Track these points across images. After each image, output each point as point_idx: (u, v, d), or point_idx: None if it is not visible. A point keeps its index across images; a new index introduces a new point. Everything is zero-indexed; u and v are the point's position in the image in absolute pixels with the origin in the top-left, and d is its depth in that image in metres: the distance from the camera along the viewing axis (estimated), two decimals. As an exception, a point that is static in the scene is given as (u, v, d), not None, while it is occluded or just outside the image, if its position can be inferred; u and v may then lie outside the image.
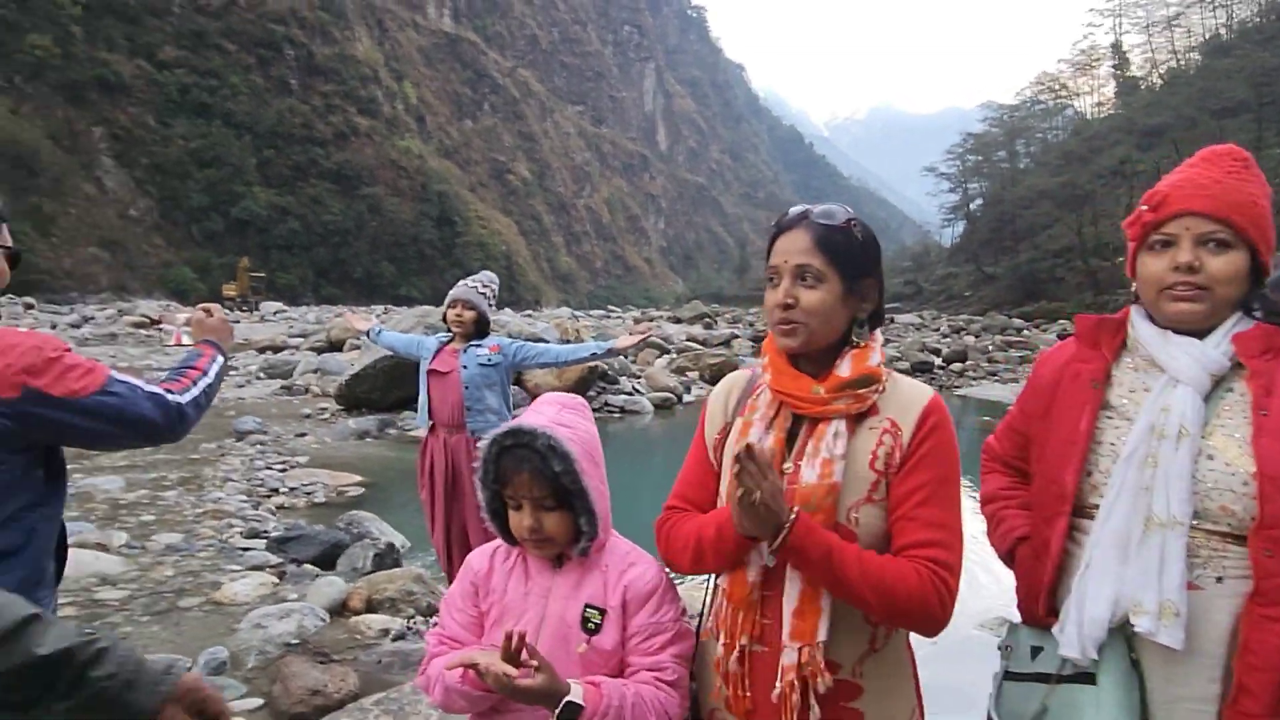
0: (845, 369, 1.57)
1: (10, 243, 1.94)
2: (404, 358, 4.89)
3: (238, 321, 42.90)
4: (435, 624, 1.60)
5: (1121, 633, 1.52)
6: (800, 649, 1.48)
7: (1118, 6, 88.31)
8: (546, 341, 17.08)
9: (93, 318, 37.22)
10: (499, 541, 1.75)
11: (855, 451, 1.53)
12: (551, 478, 1.59)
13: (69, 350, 1.78)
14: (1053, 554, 1.63)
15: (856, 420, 1.56)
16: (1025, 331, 36.10)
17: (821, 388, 1.55)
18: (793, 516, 1.42)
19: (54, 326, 30.85)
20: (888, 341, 27.29)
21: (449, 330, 4.67)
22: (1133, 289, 1.68)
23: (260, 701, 3.61)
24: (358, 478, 8.77)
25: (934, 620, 1.47)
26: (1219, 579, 1.46)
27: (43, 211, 66.10)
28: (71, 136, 75.86)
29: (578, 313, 58.67)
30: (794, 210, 1.65)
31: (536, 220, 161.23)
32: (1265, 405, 1.48)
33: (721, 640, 1.57)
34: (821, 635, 1.48)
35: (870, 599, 1.43)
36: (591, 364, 15.91)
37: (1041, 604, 1.65)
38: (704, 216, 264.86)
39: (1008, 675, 1.69)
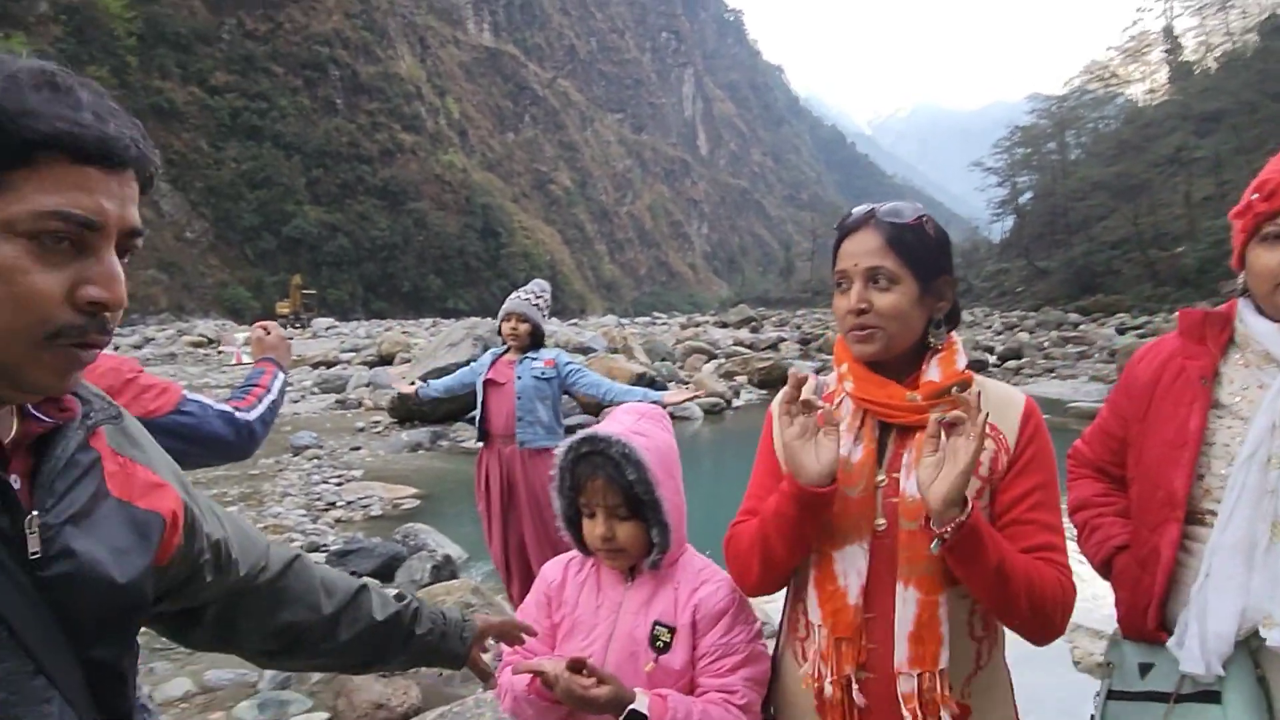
0: (934, 373, 1.49)
1: None
2: (464, 391, 4.87)
3: (292, 338, 43.76)
4: None
5: (1246, 647, 1.42)
6: (921, 675, 1.39)
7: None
8: (595, 351, 17.13)
9: (153, 338, 38.34)
10: (574, 552, 1.74)
11: None
12: (625, 486, 1.55)
13: (143, 371, 1.83)
14: (1164, 564, 1.53)
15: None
16: (1082, 326, 35.21)
17: (918, 394, 1.46)
18: (969, 509, 1.29)
19: (116, 348, 31.78)
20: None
21: (504, 343, 4.70)
22: (1240, 282, 1.59)
23: (326, 716, 3.63)
24: (412, 490, 8.83)
25: (1062, 624, 1.40)
26: None
27: (104, 236, 68.37)
28: (129, 163, 78.36)
29: (623, 320, 58.83)
30: (858, 210, 1.55)
31: (579, 229, 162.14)
32: None
33: (818, 673, 1.46)
34: (944, 661, 1.38)
35: (1024, 602, 1.33)
36: (640, 371, 15.89)
37: (1152, 617, 1.55)
38: (747, 220, 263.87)
39: (1112, 694, 1.60)
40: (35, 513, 0.81)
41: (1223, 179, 53.81)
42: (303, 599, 1.26)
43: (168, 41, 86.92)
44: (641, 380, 15.72)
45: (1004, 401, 1.51)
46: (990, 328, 36.91)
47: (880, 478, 1.45)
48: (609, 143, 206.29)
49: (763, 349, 25.93)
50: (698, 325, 41.01)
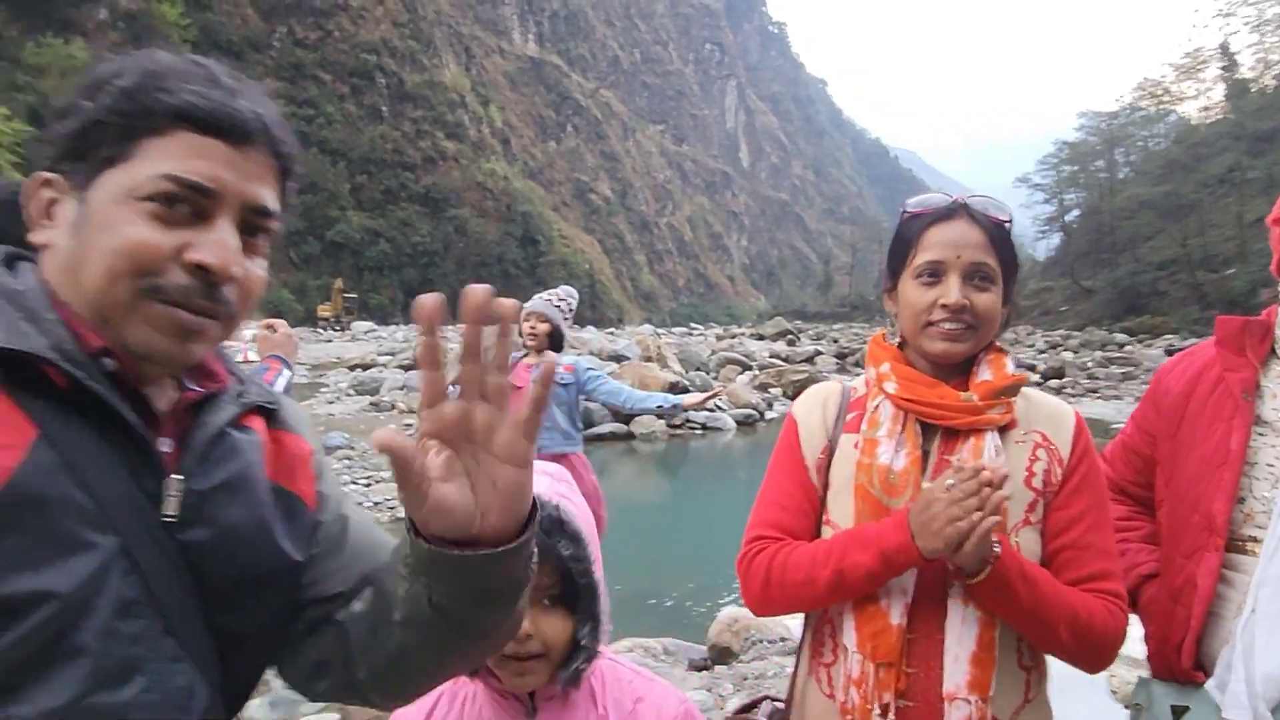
0: (987, 373, 1.39)
1: None
2: None
3: (331, 340, 44.41)
4: None
5: None
6: (976, 702, 1.26)
7: (1226, 6, 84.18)
8: (628, 358, 17.07)
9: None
10: (437, 693, 1.23)
11: (1010, 468, 1.32)
12: (556, 562, 1.14)
13: None
14: (1201, 595, 1.39)
15: (1001, 432, 1.37)
16: (1128, 347, 34.46)
17: (975, 395, 1.36)
18: (998, 547, 1.21)
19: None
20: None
21: (523, 345, 4.58)
22: None
23: (337, 716, 3.60)
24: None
25: (1111, 655, 1.31)
26: None
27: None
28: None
29: (660, 330, 58.79)
30: (936, 198, 1.45)
31: (619, 239, 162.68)
32: None
33: (851, 702, 1.31)
34: (995, 688, 1.27)
35: (1065, 635, 1.25)
36: (673, 380, 15.80)
37: (1186, 655, 1.40)
38: (787, 233, 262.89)
39: None
40: (178, 477, 0.84)
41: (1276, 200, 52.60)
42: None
43: (220, 48, 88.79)
44: (675, 389, 15.64)
45: (1056, 413, 1.42)
46: (1033, 346, 36.24)
47: (927, 486, 1.30)
48: (650, 153, 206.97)
49: (798, 362, 25.68)
50: (734, 337, 40.80)
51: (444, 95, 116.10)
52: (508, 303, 0.66)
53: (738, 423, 16.07)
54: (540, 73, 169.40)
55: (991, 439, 1.34)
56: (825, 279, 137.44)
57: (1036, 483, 1.35)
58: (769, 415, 17.41)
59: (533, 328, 4.45)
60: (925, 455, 1.37)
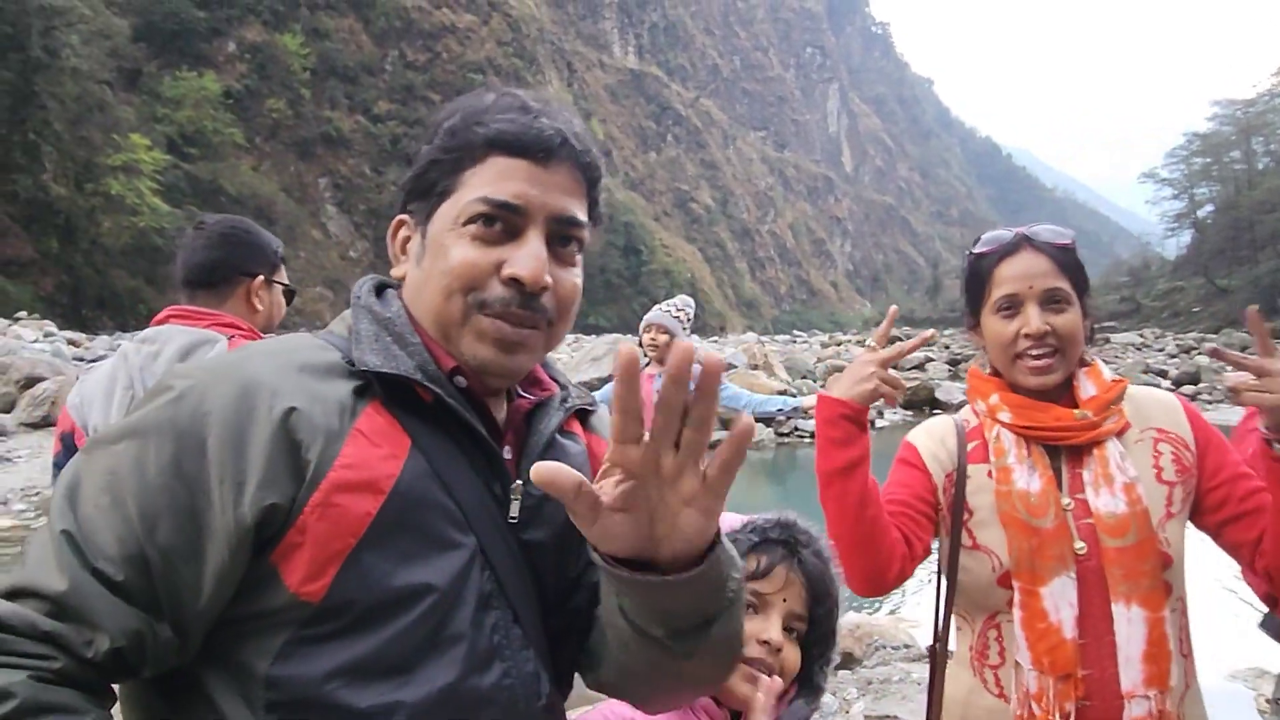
0: (1090, 389, 1.48)
1: (287, 280, 2.29)
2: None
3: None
4: None
5: None
6: (1155, 696, 1.32)
7: (1374, -20, 77.73)
8: (735, 367, 17.01)
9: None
10: None
11: (1138, 470, 1.43)
12: (820, 601, 1.29)
13: None
14: None
15: (1119, 435, 1.46)
16: (1270, 349, 32.12)
17: (1089, 410, 1.45)
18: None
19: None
20: (1106, 363, 25.17)
21: (645, 356, 4.70)
22: None
23: None
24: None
25: None
26: None
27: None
28: (301, 188, 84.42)
29: (763, 338, 58.33)
30: (1000, 234, 1.54)
31: (720, 247, 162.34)
32: None
33: (1030, 714, 1.36)
34: (1175, 679, 1.33)
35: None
36: (780, 388, 15.64)
37: None
38: (892, 237, 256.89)
39: None
40: (519, 481, 0.92)
41: None
42: None
43: (337, 74, 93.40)
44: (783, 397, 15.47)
45: (1163, 404, 1.53)
46: (1163, 350, 34.23)
47: (1066, 501, 1.41)
48: (751, 160, 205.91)
49: (908, 369, 24.99)
50: (839, 344, 40.06)
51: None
52: (713, 361, 0.65)
53: (847, 430, 15.77)
54: (640, 84, 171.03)
55: (1114, 447, 1.43)
56: (934, 283, 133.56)
57: (1168, 475, 1.44)
58: (879, 424, 17.01)
59: (653, 339, 4.58)
60: (1057, 473, 1.45)
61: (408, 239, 0.97)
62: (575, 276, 0.96)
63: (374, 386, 0.87)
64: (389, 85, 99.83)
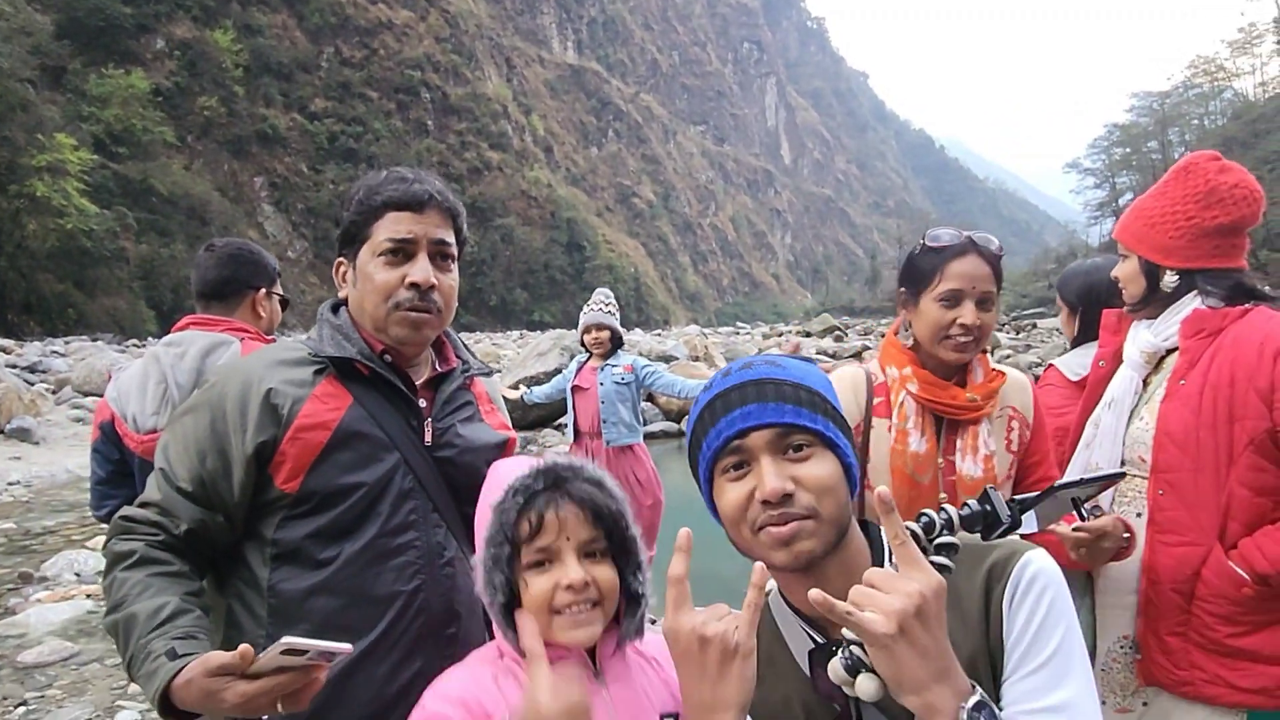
0: (980, 375, 1.84)
1: (282, 292, 2.70)
2: (560, 397, 5.45)
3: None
4: None
5: None
6: None
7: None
8: (677, 358, 17.56)
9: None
10: (481, 660, 1.24)
11: (994, 441, 1.83)
12: (602, 517, 1.19)
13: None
14: None
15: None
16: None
17: (977, 395, 1.80)
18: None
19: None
20: (1029, 347, 26.42)
21: (588, 351, 5.24)
22: None
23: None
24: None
25: None
26: (1139, 514, 1.83)
27: (214, 257, 72.17)
28: (236, 187, 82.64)
29: (706, 330, 59.16)
30: (950, 233, 1.81)
31: (663, 241, 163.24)
32: (1184, 376, 1.78)
33: None
34: None
35: None
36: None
37: None
38: (831, 228, 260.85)
39: None
40: (429, 419, 1.49)
41: (1340, 174, 50.86)
42: None
43: (271, 71, 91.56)
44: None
45: (1020, 386, 1.91)
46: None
47: (939, 462, 1.80)
48: (691, 155, 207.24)
49: (846, 357, 25.88)
50: (780, 334, 40.99)
51: (487, 107, 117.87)
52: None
53: (786, 418, 16.43)
54: (580, 80, 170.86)
55: (985, 424, 1.82)
56: (872, 273, 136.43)
57: (1014, 447, 1.86)
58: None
59: (596, 338, 5.15)
60: (938, 438, 1.83)
61: (345, 272, 1.53)
62: (452, 279, 1.51)
63: (329, 367, 1.44)
64: (325, 82, 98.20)
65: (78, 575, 6.16)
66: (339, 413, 1.40)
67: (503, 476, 1.22)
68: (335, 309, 1.56)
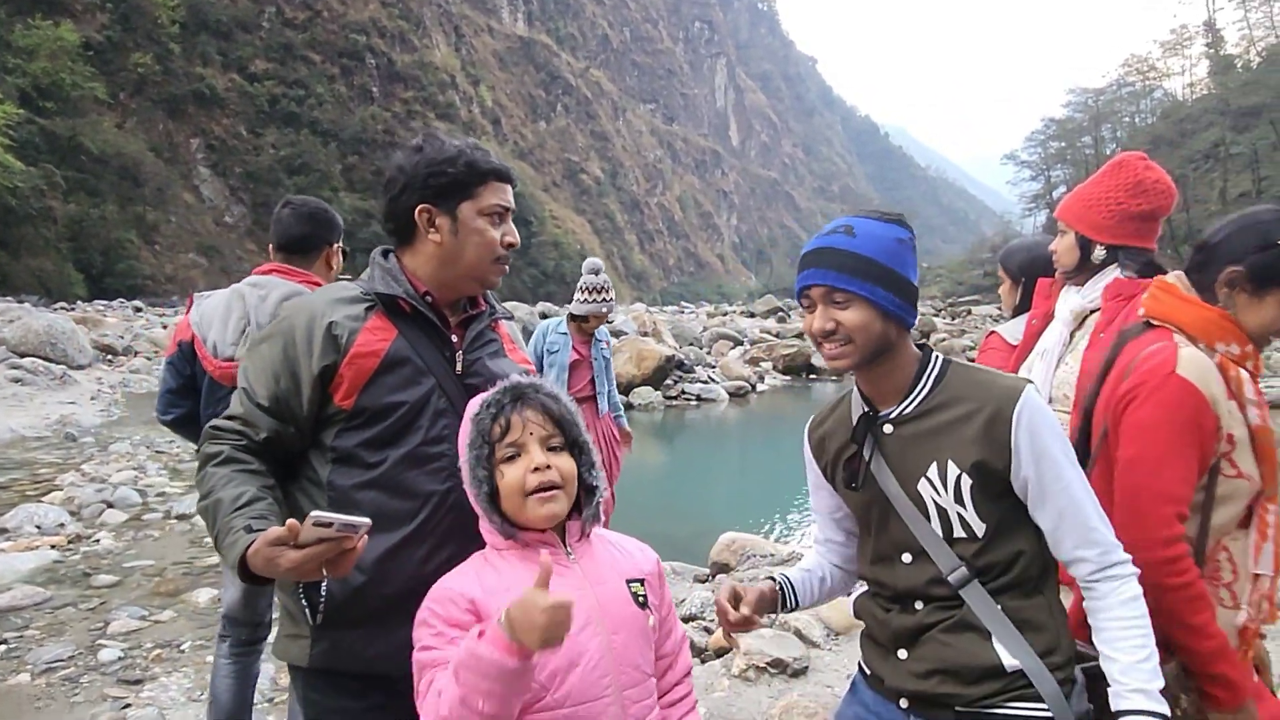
0: None
1: (345, 247, 3.19)
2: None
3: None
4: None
5: None
6: None
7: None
8: (626, 334, 17.87)
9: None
10: (470, 566, 1.52)
11: None
12: (558, 418, 1.54)
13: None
14: None
15: None
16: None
17: None
18: None
19: (165, 328, 32.95)
20: (964, 332, 27.32)
21: (578, 327, 5.40)
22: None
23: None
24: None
25: None
26: None
27: (146, 220, 69.85)
28: (172, 148, 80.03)
29: (651, 309, 59.50)
30: None
31: (610, 219, 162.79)
32: (1103, 330, 2.12)
33: (1262, 613, 1.73)
34: None
35: None
36: (669, 353, 16.60)
37: None
38: (777, 211, 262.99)
39: None
40: (460, 352, 1.74)
41: (1260, 175, 53.31)
42: None
43: (209, 29, 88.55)
44: (671, 363, 16.45)
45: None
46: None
47: None
48: (640, 133, 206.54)
49: (789, 337, 26.48)
50: (725, 314, 41.54)
51: (434, 75, 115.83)
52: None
53: (730, 394, 16.88)
54: (530, 52, 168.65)
55: None
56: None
57: None
58: (760, 388, 18.24)
59: (597, 322, 5.44)
60: None
61: (432, 219, 1.71)
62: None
63: (377, 304, 1.67)
64: (266, 43, 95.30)
65: (38, 528, 6.22)
66: (386, 343, 1.64)
67: (476, 397, 1.59)
68: (385, 254, 1.78)
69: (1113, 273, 2.25)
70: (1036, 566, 1.49)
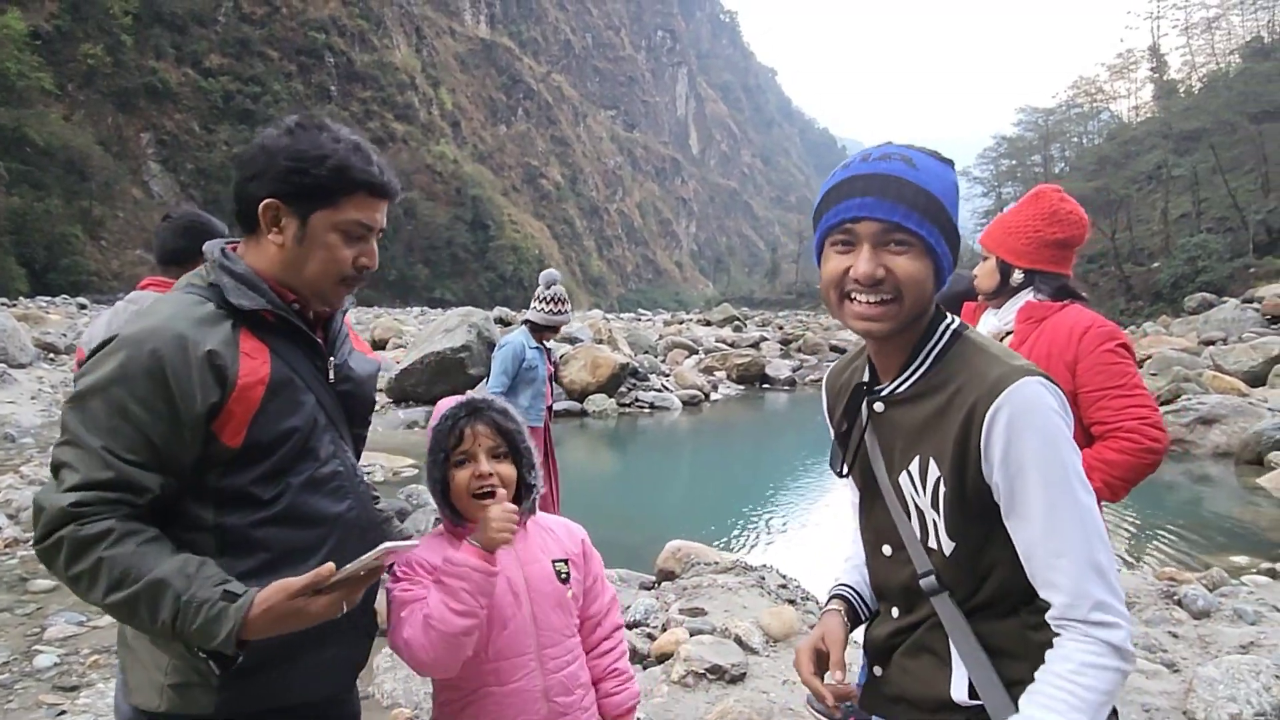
0: None
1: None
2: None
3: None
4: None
5: None
6: None
7: (1156, 9, 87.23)
8: (581, 341, 17.89)
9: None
10: (432, 537, 1.81)
11: None
12: (503, 431, 1.77)
13: None
14: None
15: None
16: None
17: None
18: None
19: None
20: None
21: (543, 339, 5.41)
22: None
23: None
24: (410, 460, 9.60)
25: None
26: None
27: (93, 215, 68.30)
28: (121, 142, 78.30)
29: (608, 315, 59.57)
30: None
31: (569, 224, 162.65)
32: (1016, 349, 2.15)
33: None
34: None
35: None
36: (623, 361, 16.68)
37: None
38: (735, 220, 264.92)
39: None
40: (331, 358, 1.61)
41: (1200, 197, 55.01)
42: None
43: (163, 22, 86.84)
44: (625, 370, 16.53)
45: None
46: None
47: None
48: (601, 139, 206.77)
49: (744, 347, 26.71)
50: (681, 323, 41.72)
51: (394, 76, 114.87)
52: None
53: (684, 403, 16.98)
54: (491, 55, 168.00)
55: None
56: (773, 266, 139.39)
57: None
58: (714, 397, 18.39)
59: (557, 334, 5.45)
60: None
61: (277, 218, 1.48)
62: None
63: (239, 317, 1.45)
64: (222, 38, 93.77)
65: (-27, 531, 6.08)
66: (266, 365, 1.46)
67: (440, 408, 1.79)
68: (225, 252, 1.54)
69: (1026, 296, 2.44)
70: (1016, 586, 1.24)
